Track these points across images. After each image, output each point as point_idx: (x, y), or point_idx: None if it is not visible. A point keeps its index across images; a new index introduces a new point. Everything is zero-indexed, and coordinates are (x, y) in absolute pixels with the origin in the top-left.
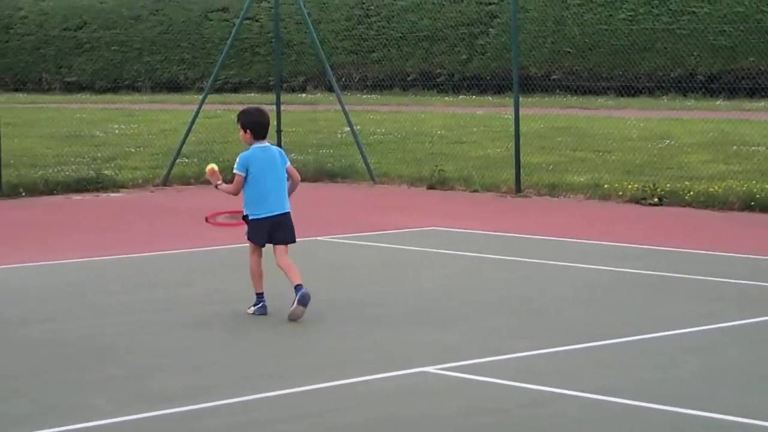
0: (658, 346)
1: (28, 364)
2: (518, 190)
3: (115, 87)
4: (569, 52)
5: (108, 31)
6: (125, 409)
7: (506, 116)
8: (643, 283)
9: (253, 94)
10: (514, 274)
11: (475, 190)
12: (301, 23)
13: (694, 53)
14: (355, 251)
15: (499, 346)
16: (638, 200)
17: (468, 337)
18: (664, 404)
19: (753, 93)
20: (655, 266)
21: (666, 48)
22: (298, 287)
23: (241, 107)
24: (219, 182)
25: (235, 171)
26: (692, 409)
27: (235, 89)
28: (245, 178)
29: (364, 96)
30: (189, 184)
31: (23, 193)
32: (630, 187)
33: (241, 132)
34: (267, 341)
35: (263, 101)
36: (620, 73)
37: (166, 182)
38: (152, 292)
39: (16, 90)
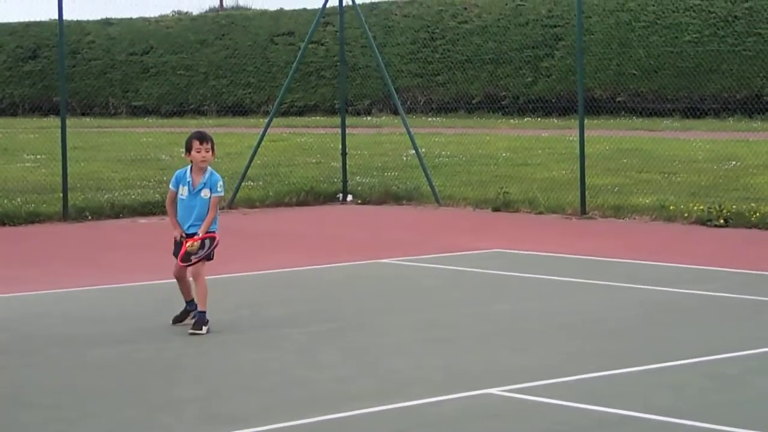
0: (727, 368)
1: (99, 385)
2: (583, 212)
3: (180, 111)
4: (634, 74)
5: (174, 55)
6: (198, 430)
7: (571, 138)
8: (712, 304)
9: (318, 117)
10: (582, 296)
11: (540, 212)
12: (366, 47)
13: (760, 75)
14: (421, 273)
15: (566, 367)
16: (704, 222)
17: (535, 359)
18: (732, 426)
19: None
20: (724, 288)
21: (732, 70)
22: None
23: (306, 130)
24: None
25: (221, 193)
26: (761, 431)
27: (301, 113)
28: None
29: (429, 119)
30: (254, 207)
31: (89, 217)
32: (696, 208)
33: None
34: (335, 362)
35: (328, 124)
36: (686, 94)
37: (231, 205)
38: (221, 314)
39: (83, 114)
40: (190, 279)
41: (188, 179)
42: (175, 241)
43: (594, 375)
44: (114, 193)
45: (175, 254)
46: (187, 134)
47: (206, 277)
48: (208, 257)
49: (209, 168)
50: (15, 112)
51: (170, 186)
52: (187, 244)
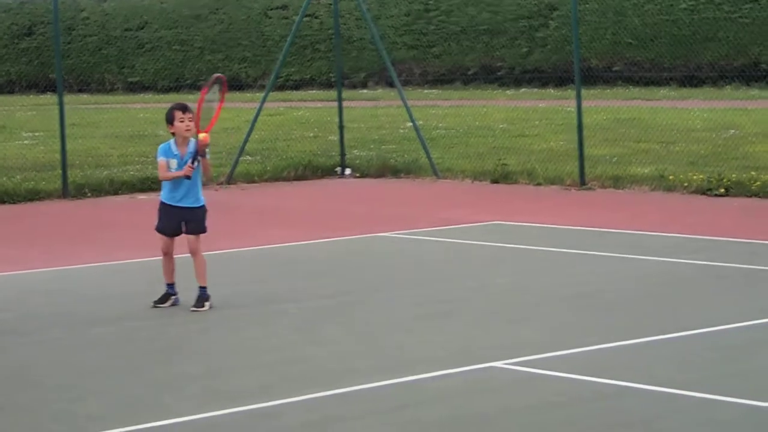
0: (731, 339)
1: (99, 363)
2: (582, 182)
3: (177, 86)
4: (630, 43)
5: (169, 30)
6: (199, 408)
7: (568, 109)
8: (714, 274)
9: (314, 91)
10: (582, 268)
11: (539, 184)
12: (360, 19)
13: (758, 42)
14: (420, 246)
15: (568, 340)
16: (704, 191)
17: (537, 332)
18: (737, 397)
19: None
20: (725, 257)
21: (728, 37)
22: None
23: (302, 104)
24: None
25: (208, 156)
26: (767, 401)
27: (297, 87)
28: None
29: (426, 91)
30: (253, 182)
31: (89, 194)
32: (695, 178)
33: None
34: (337, 338)
35: (324, 98)
36: (682, 63)
37: (230, 180)
38: (219, 290)
39: (80, 91)
40: (178, 257)
41: (174, 152)
42: (166, 213)
43: (596, 347)
44: (113, 170)
45: (162, 229)
46: None
47: (205, 253)
48: (203, 229)
49: (191, 138)
50: (12, 90)
51: (159, 158)
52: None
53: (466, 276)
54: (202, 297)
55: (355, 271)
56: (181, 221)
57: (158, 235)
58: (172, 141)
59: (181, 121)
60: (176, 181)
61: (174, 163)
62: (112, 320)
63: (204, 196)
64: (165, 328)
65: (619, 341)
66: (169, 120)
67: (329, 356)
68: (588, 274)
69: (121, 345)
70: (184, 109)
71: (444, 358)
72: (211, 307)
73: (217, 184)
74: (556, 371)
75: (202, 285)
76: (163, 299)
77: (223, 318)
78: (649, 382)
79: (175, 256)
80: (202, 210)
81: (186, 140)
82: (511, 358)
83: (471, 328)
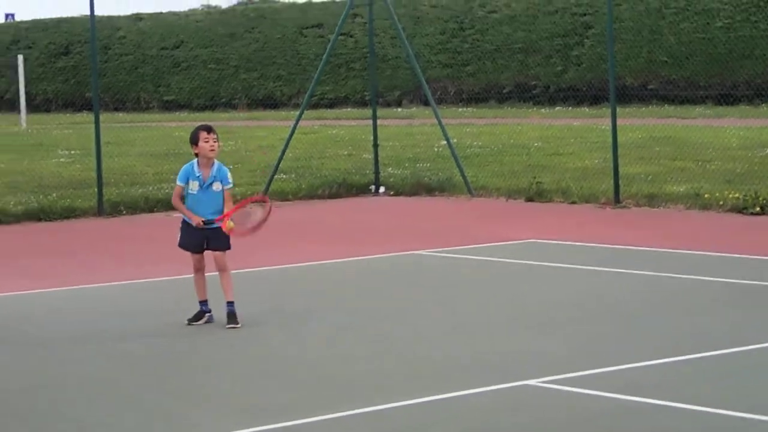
0: (765, 358)
1: (129, 378)
2: (617, 201)
3: (212, 105)
4: (666, 61)
5: (205, 49)
6: (228, 424)
7: (603, 127)
8: (750, 293)
9: (348, 109)
10: (616, 286)
11: (574, 202)
12: (395, 38)
13: None
14: (455, 264)
15: (603, 358)
16: (740, 209)
17: (572, 350)
18: None
19: None
20: (760, 276)
21: (765, 55)
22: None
23: (337, 123)
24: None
25: (232, 184)
26: None
27: (331, 105)
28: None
29: (460, 109)
30: (287, 199)
31: (124, 211)
32: (731, 196)
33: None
34: (367, 353)
35: (359, 116)
36: (718, 81)
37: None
38: (251, 307)
39: (116, 109)
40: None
41: (197, 174)
42: (188, 230)
43: (630, 365)
44: (148, 188)
45: (185, 245)
46: (219, 128)
47: (238, 270)
48: (226, 246)
49: (216, 161)
50: (48, 108)
51: (178, 181)
52: (225, 226)
53: (499, 293)
54: (233, 313)
55: (387, 288)
56: (203, 239)
57: (188, 252)
58: (195, 162)
59: (206, 142)
60: (196, 202)
61: (195, 185)
62: (143, 336)
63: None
64: (195, 345)
65: (652, 360)
66: (194, 140)
67: (360, 373)
68: (622, 292)
69: (150, 361)
70: (209, 129)
71: (476, 375)
72: (241, 324)
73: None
74: (588, 389)
75: (230, 300)
76: (197, 317)
77: (254, 334)
78: (683, 401)
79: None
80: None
81: (209, 161)
82: (544, 375)
83: (504, 344)
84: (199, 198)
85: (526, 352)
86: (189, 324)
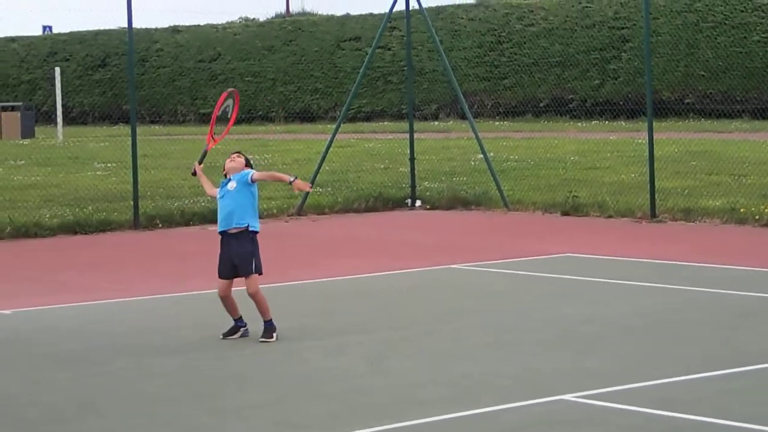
0: None
1: (164, 393)
2: (653, 215)
3: (249, 117)
4: (703, 75)
5: (242, 62)
6: None
7: (639, 141)
8: None
9: (385, 123)
10: (652, 300)
11: (610, 216)
12: (432, 51)
13: None
14: (492, 278)
15: (638, 372)
16: None
17: (608, 364)
18: None
19: None
20: None
21: None
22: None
23: (374, 136)
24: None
25: (253, 170)
26: None
27: (368, 118)
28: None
29: (497, 123)
30: (324, 213)
31: (160, 224)
32: (767, 210)
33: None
34: (404, 368)
35: (396, 130)
36: (755, 95)
37: (300, 212)
38: (289, 321)
39: (152, 122)
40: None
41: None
42: (221, 256)
43: (668, 380)
44: (184, 201)
45: (219, 272)
46: (256, 141)
47: (275, 284)
48: (258, 271)
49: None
50: (85, 121)
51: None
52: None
53: (535, 307)
54: (269, 328)
55: (423, 302)
56: (232, 262)
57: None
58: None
59: (231, 162)
60: (219, 209)
61: (221, 192)
62: (179, 351)
63: (260, 226)
64: (231, 359)
65: (688, 375)
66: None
67: (396, 387)
68: (658, 306)
69: (186, 375)
70: (237, 152)
71: (512, 390)
72: (277, 338)
73: (288, 216)
74: (625, 404)
75: (268, 319)
76: (232, 331)
77: (291, 349)
78: (722, 416)
79: (234, 290)
80: (248, 240)
81: (227, 175)
82: (580, 390)
83: (539, 359)
84: (221, 205)
85: (562, 367)
86: (224, 338)
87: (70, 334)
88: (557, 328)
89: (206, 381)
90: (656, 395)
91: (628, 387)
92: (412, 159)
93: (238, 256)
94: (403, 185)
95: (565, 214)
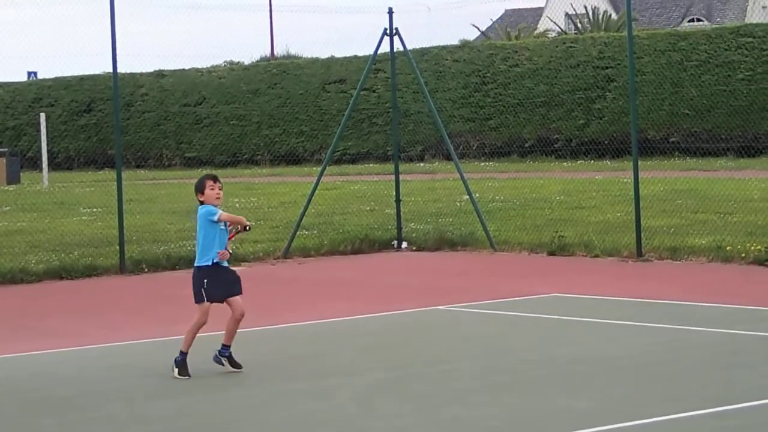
0: None
1: None
2: (639, 254)
3: (234, 161)
4: (687, 114)
5: (227, 105)
6: None
7: (625, 180)
8: None
9: (371, 164)
10: (641, 339)
11: (596, 256)
12: (417, 92)
13: None
14: (479, 319)
15: (630, 412)
16: (762, 262)
17: (599, 404)
18: None
19: None
20: None
21: None
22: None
23: (359, 178)
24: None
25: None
26: None
27: (354, 160)
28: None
29: (482, 163)
30: (310, 256)
31: (146, 269)
32: (753, 248)
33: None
34: (394, 411)
35: (381, 171)
36: (740, 133)
37: (286, 255)
38: (278, 363)
39: (138, 167)
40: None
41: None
42: (215, 278)
43: (656, 419)
44: (170, 245)
45: (214, 296)
46: (241, 184)
47: (263, 327)
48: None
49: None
50: (71, 166)
51: (219, 211)
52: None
53: (524, 348)
54: (229, 357)
55: (412, 344)
56: (230, 283)
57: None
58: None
59: (212, 189)
60: (219, 238)
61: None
62: (171, 395)
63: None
64: (223, 402)
65: (679, 413)
66: (200, 189)
67: (388, 430)
68: (646, 346)
69: (179, 419)
70: (215, 179)
71: None
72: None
73: (274, 258)
74: None
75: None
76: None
77: (281, 392)
78: None
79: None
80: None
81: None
82: (572, 431)
83: (529, 401)
84: (221, 236)
85: (552, 408)
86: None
87: (58, 379)
88: (547, 368)
89: (197, 425)
90: None
91: (619, 426)
92: (398, 200)
93: (236, 279)
94: (389, 227)
95: (552, 254)
